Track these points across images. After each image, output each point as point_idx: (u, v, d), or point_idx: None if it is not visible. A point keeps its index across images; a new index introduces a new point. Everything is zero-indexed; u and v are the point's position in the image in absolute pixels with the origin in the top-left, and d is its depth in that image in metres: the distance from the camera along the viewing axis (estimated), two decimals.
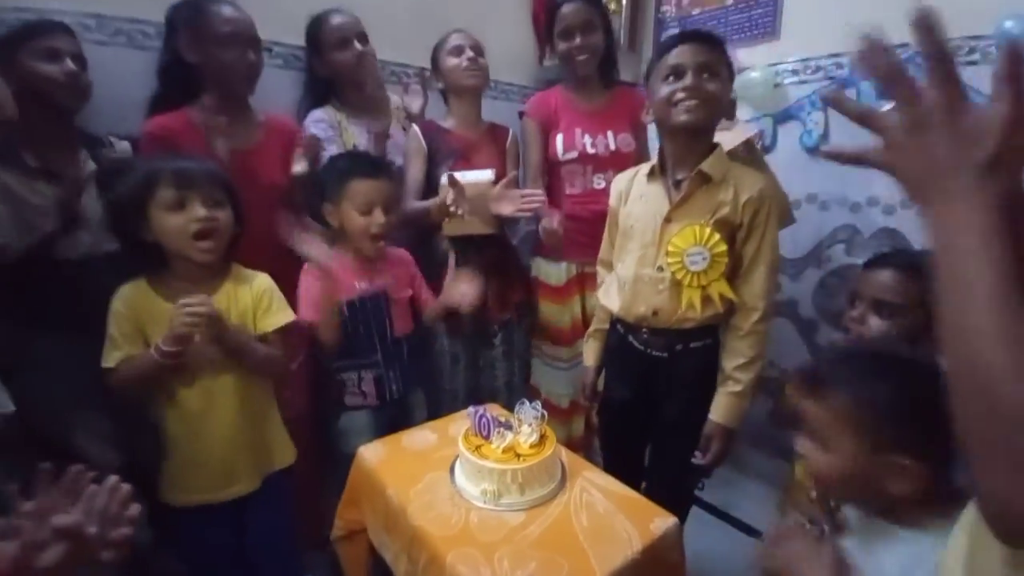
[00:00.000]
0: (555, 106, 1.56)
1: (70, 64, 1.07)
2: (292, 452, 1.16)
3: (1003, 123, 0.38)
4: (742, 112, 1.50)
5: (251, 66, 1.29)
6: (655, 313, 1.12)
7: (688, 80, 1.01)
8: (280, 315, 1.09)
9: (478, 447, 0.93)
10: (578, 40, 1.47)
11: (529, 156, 1.58)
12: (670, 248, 1.07)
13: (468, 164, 1.48)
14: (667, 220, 1.09)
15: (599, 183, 1.51)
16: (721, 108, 1.07)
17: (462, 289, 1.27)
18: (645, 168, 1.18)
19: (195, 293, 0.93)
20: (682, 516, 1.29)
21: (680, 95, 1.02)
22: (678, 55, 1.03)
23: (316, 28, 1.49)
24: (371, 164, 1.25)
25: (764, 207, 1.07)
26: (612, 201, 1.25)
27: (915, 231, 1.52)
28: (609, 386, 1.33)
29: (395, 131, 1.55)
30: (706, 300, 1.08)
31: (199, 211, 0.96)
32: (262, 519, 1.08)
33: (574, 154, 1.52)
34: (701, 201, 1.08)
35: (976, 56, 1.39)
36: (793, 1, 1.74)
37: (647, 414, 1.24)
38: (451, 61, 1.49)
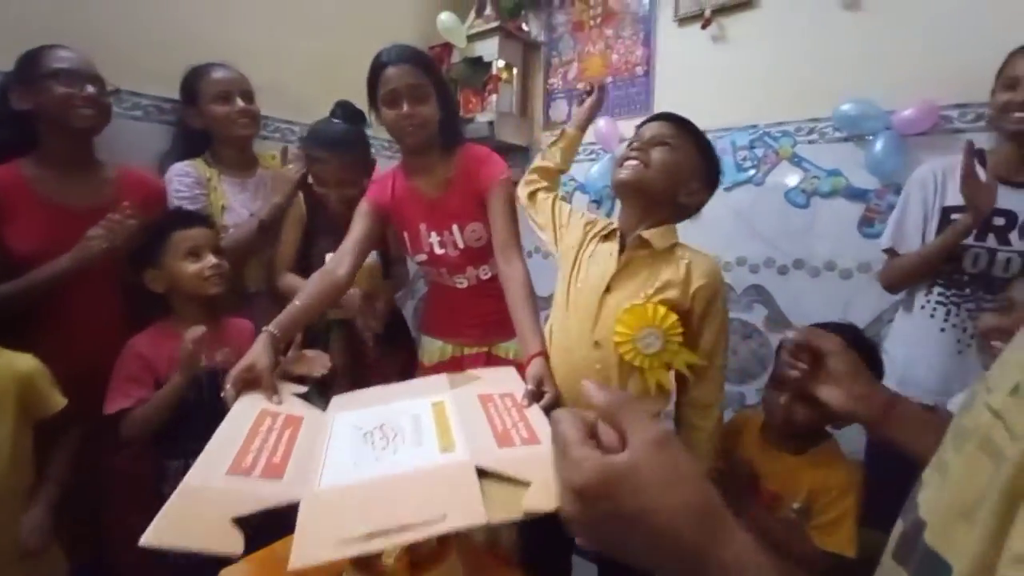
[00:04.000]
0: (396, 194, 1.27)
1: None
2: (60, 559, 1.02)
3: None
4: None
5: (90, 99, 1.13)
6: None
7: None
8: (57, 397, 1.02)
9: (365, 559, 0.80)
10: (405, 108, 1.15)
11: (348, 235, 1.23)
12: (619, 331, 0.95)
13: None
14: (607, 290, 0.99)
15: (460, 282, 1.31)
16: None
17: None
18: (606, 229, 1.07)
19: None
20: None
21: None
22: None
23: (195, 78, 1.38)
24: (189, 214, 1.22)
25: (718, 297, 0.99)
26: (581, 219, 1.13)
27: (778, 287, 1.70)
28: None
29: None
30: (678, 376, 0.99)
31: None
32: None
33: (423, 256, 1.29)
34: (644, 272, 0.98)
35: (815, 136, 1.59)
36: (663, 83, 1.95)
37: None
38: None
